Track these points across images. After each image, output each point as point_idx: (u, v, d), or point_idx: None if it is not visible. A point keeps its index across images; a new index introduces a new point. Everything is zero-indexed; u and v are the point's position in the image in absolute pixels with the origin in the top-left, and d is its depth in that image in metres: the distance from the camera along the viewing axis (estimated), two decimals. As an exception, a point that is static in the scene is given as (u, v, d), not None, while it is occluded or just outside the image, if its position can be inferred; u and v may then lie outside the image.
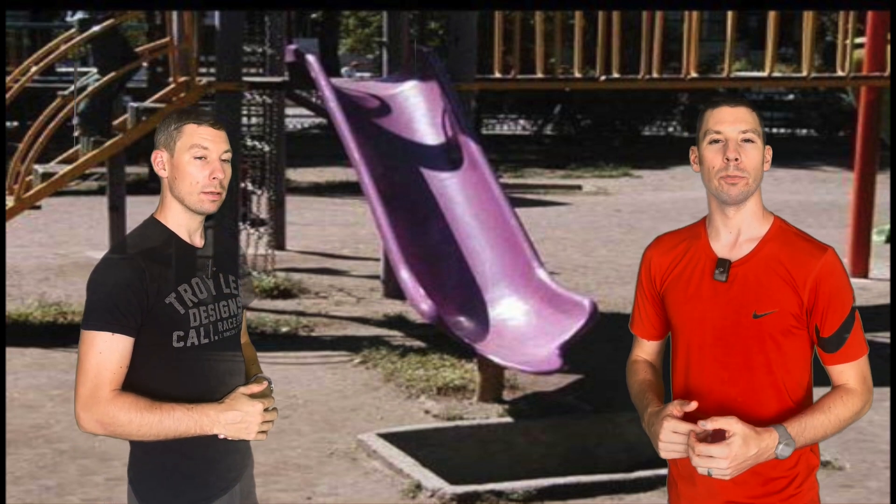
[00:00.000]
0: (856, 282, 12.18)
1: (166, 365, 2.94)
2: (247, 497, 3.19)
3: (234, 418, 2.89)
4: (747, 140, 2.90)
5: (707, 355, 2.96)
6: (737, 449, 2.76)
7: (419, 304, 7.81)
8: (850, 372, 2.95)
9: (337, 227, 15.92)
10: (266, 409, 2.94)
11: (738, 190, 2.90)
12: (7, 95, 10.18)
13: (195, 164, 2.97)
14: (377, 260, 12.28)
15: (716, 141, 2.91)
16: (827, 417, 2.89)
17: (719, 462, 2.76)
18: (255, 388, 2.97)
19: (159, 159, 3.02)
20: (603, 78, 11.40)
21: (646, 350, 3.19)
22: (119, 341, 2.87)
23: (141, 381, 2.92)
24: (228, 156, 3.01)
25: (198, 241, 3.05)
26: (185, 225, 3.02)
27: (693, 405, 2.85)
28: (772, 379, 2.93)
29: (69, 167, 10.08)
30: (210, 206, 2.99)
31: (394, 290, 10.82)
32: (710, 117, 2.93)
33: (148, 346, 2.91)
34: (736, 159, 2.88)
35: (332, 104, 9.53)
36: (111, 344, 2.86)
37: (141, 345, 2.90)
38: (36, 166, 10.06)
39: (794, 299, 2.89)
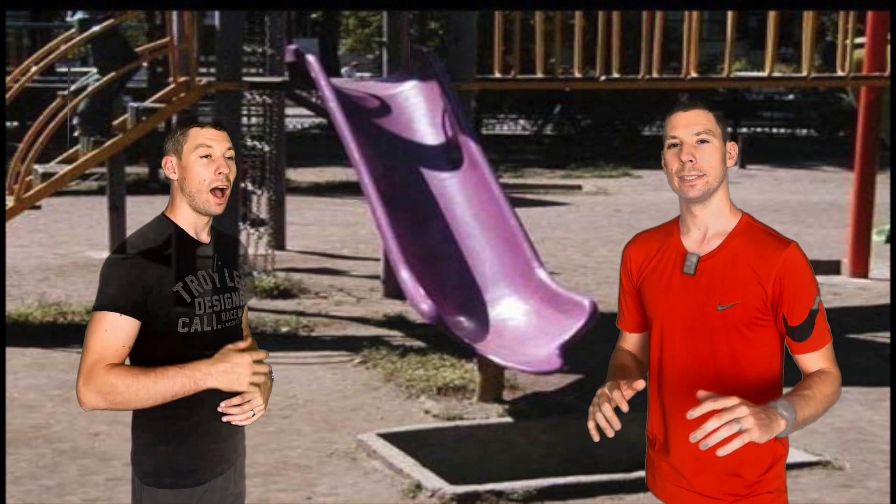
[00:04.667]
0: (856, 282, 12.28)
1: (171, 349, 3.10)
2: (238, 484, 3.32)
3: (224, 369, 3.03)
4: (702, 141, 3.05)
5: (678, 346, 3.12)
6: (747, 407, 2.74)
7: (419, 304, 7.81)
8: (821, 358, 3.07)
9: (337, 227, 15.93)
10: (258, 362, 3.07)
11: (699, 189, 3.05)
12: (7, 95, 10.18)
13: (201, 162, 3.17)
14: (377, 260, 12.29)
15: (673, 145, 3.08)
16: (812, 394, 2.96)
17: (740, 420, 2.72)
18: (242, 344, 3.12)
19: (169, 164, 3.22)
20: (603, 78, 11.40)
21: (628, 342, 3.37)
22: (124, 322, 3.05)
23: (145, 363, 3.08)
24: (232, 153, 3.22)
25: (204, 238, 3.24)
26: (192, 223, 3.21)
27: (640, 384, 3.00)
28: (737, 369, 3.06)
29: (69, 167, 10.08)
30: (216, 209, 3.19)
31: (394, 290, 10.82)
32: (668, 123, 3.11)
33: (155, 331, 3.10)
34: (691, 161, 3.04)
35: (332, 104, 9.53)
36: (116, 323, 3.05)
37: (148, 330, 3.09)
38: (36, 166, 10.06)
39: (758, 292, 3.02)
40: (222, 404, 3.11)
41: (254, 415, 3.14)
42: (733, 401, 2.75)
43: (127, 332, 3.06)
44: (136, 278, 3.06)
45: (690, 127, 3.05)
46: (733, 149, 3.12)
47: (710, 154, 3.05)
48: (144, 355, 3.09)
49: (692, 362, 3.08)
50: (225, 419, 3.12)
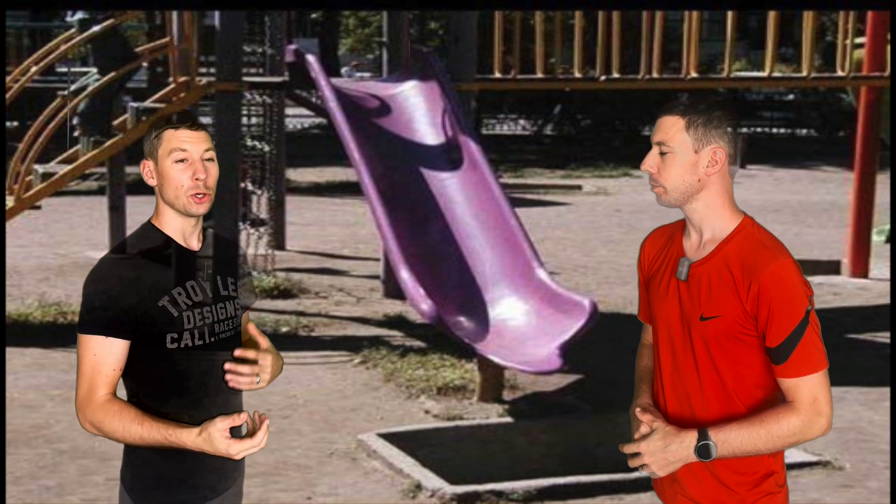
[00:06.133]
0: (856, 282, 12.27)
1: (160, 365, 2.99)
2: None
3: (208, 451, 2.86)
4: (662, 152, 2.96)
5: (666, 351, 3.03)
6: (653, 444, 2.92)
7: (419, 304, 7.81)
8: (798, 388, 2.87)
9: (337, 227, 15.92)
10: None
11: (661, 199, 2.98)
12: (7, 95, 10.17)
13: (177, 167, 2.99)
14: (377, 260, 12.28)
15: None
16: (757, 430, 2.86)
17: (641, 458, 2.96)
18: (237, 419, 2.86)
19: (147, 169, 3.05)
20: (603, 78, 11.40)
21: (650, 334, 3.25)
22: (112, 344, 2.93)
23: (137, 380, 3.00)
24: (211, 154, 3.02)
25: (194, 244, 3.07)
26: (179, 229, 3.05)
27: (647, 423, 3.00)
28: (719, 382, 2.95)
29: (69, 167, 10.08)
30: (199, 208, 3.01)
31: (394, 290, 10.82)
32: None
33: (143, 347, 2.97)
34: (650, 170, 2.97)
35: (332, 104, 9.53)
36: (105, 347, 2.93)
37: (136, 345, 2.96)
38: (36, 166, 10.06)
39: (737, 306, 2.88)
40: (227, 366, 2.98)
41: (258, 382, 2.99)
42: (641, 443, 2.93)
43: (116, 355, 2.93)
44: (121, 295, 2.91)
45: (655, 136, 2.97)
46: (717, 154, 2.92)
47: (667, 166, 2.94)
48: (135, 371, 2.98)
49: (678, 369, 3.00)
50: (228, 377, 2.98)
